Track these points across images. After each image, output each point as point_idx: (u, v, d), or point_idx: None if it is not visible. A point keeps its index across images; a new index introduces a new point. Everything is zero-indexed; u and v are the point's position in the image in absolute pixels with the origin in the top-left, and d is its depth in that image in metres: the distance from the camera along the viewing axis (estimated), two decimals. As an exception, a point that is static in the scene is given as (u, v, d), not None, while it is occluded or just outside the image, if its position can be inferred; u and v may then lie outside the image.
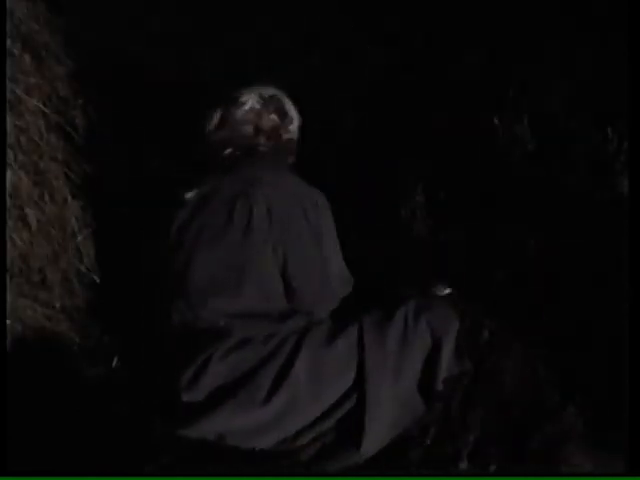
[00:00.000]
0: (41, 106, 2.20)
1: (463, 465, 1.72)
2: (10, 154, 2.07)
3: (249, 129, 2.27)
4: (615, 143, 2.86)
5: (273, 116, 2.32)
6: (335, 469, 1.76)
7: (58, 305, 2.28)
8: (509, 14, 4.09)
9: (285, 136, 2.34)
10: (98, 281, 2.45)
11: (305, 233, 2.04)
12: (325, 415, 1.82)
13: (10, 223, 2.10)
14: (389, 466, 1.76)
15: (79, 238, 2.41)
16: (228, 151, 2.23)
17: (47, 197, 2.24)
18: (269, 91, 2.35)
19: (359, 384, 1.83)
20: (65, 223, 2.34)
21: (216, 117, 2.29)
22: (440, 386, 1.86)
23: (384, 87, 3.69)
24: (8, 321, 2.07)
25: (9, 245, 2.09)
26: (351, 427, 1.80)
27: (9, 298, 2.07)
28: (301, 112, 2.41)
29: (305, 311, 2.00)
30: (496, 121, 3.15)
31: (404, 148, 3.16)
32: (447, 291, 2.13)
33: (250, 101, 2.30)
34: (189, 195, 2.11)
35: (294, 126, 2.38)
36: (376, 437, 1.80)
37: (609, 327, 1.99)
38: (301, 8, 4.23)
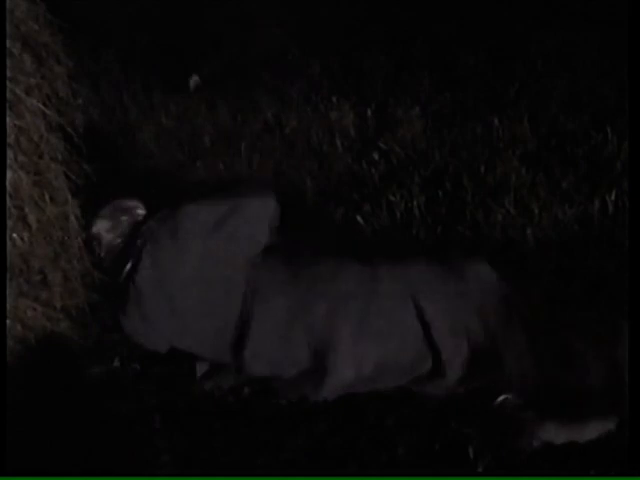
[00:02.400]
0: (41, 106, 2.19)
1: None
2: (10, 154, 2.06)
3: None
4: (615, 143, 2.86)
5: None
6: None
7: (58, 305, 2.27)
8: (509, 14, 4.10)
9: None
10: (98, 281, 2.45)
11: None
12: None
13: (10, 223, 2.09)
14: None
15: (79, 238, 2.41)
16: None
17: (47, 197, 2.23)
18: None
19: None
20: (65, 223, 2.34)
21: None
22: None
23: (383, 85, 3.69)
24: (8, 321, 2.07)
25: (9, 245, 2.09)
26: None
27: (9, 298, 2.07)
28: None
29: None
30: (496, 121, 3.16)
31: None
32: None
33: None
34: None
35: None
36: None
37: (609, 326, 1.99)
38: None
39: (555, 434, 1.80)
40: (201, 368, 2.18)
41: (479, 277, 2.06)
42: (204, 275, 2.21)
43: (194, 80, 3.83)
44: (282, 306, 2.13)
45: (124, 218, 2.48)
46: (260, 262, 2.22)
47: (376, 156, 3.12)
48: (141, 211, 2.50)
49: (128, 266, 2.30)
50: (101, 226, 2.47)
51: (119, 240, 2.45)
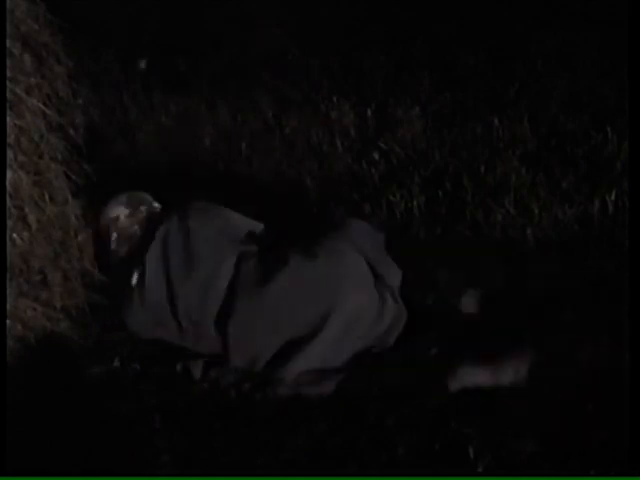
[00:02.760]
0: (41, 106, 2.19)
1: None
2: (10, 154, 2.07)
3: None
4: (615, 143, 2.86)
5: None
6: None
7: (58, 305, 2.27)
8: (509, 14, 4.10)
9: None
10: (98, 281, 2.46)
11: None
12: None
13: (10, 223, 2.09)
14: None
15: (79, 238, 2.41)
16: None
17: (47, 197, 2.24)
18: None
19: None
20: (65, 223, 2.34)
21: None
22: None
23: (382, 85, 3.69)
24: (8, 321, 2.07)
25: (9, 245, 2.09)
26: None
27: (9, 298, 2.07)
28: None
29: None
30: (496, 121, 3.16)
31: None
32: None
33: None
34: None
35: None
36: None
37: (609, 326, 1.99)
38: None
39: (473, 375, 1.93)
40: (195, 368, 2.18)
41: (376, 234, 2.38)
42: (199, 270, 2.24)
43: (143, 63, 4.05)
44: (259, 299, 2.16)
45: (143, 208, 2.49)
46: (246, 260, 2.26)
47: (376, 156, 3.12)
48: (156, 204, 2.51)
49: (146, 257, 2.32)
50: (120, 211, 2.47)
51: (136, 228, 2.44)
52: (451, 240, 2.57)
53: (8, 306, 2.07)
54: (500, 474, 1.68)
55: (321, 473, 1.74)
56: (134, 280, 2.31)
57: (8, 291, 2.06)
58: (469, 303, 2.21)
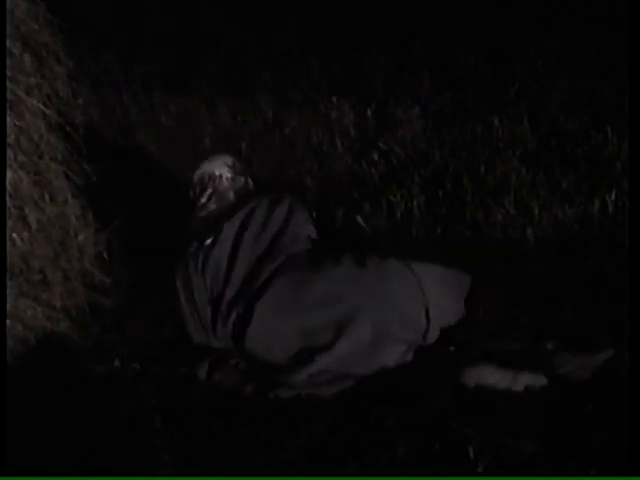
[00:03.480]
0: (41, 106, 2.20)
1: None
2: (10, 154, 2.07)
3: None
4: (615, 143, 2.86)
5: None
6: None
7: (58, 305, 2.28)
8: (509, 14, 4.10)
9: None
10: (98, 281, 2.46)
11: None
12: None
13: (10, 223, 2.10)
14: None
15: (79, 238, 2.41)
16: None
17: (47, 197, 2.24)
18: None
19: None
20: (65, 223, 2.34)
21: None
22: None
23: (382, 85, 3.70)
24: (8, 321, 2.07)
25: (9, 245, 2.09)
26: None
27: (9, 298, 2.07)
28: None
29: None
30: (496, 121, 3.16)
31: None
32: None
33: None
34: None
35: None
36: None
37: (609, 326, 2.00)
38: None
39: (491, 374, 1.92)
40: (201, 370, 2.18)
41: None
42: (260, 256, 2.24)
43: None
44: (286, 291, 2.14)
45: (243, 177, 2.49)
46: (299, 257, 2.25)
47: (376, 156, 3.12)
48: (251, 182, 2.51)
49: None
50: (224, 172, 2.47)
51: (231, 193, 2.44)
52: (451, 240, 2.57)
53: (8, 306, 2.07)
54: (500, 474, 1.68)
55: (321, 473, 1.74)
56: (208, 242, 2.28)
57: (8, 291, 2.06)
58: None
